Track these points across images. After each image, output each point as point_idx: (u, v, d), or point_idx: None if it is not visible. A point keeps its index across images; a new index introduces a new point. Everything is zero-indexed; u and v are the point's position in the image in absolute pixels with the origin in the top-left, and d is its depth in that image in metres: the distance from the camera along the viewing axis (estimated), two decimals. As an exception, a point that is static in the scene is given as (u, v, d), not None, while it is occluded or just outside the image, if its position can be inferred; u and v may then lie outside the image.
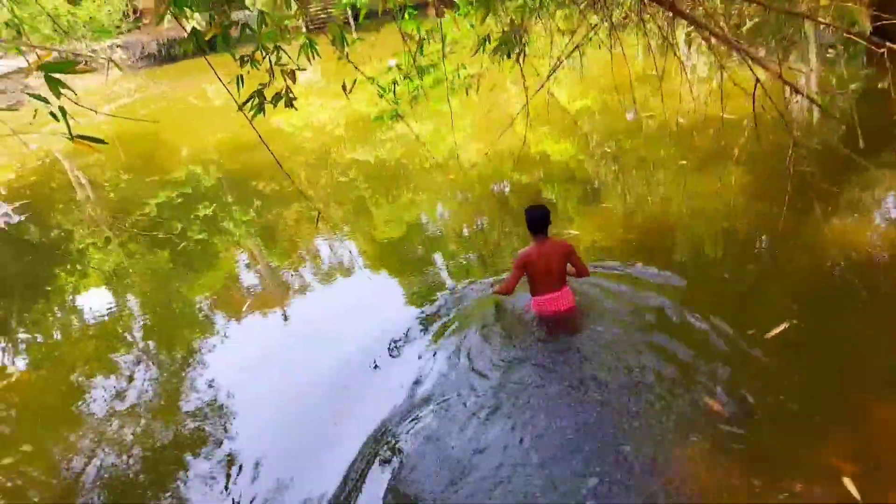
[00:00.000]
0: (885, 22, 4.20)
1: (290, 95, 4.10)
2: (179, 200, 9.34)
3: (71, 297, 6.81)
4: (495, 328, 4.49)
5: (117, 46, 19.24)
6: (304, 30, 4.32)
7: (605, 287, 4.65)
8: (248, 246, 7.42)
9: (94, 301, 6.50)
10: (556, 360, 4.08)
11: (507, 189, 7.24)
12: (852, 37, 4.30)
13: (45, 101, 2.57)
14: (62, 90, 2.57)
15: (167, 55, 22.15)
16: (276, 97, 4.14)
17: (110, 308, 6.23)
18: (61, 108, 2.66)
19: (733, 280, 4.62)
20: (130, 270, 7.28)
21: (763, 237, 5.00)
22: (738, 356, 3.71)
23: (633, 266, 4.89)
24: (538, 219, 4.23)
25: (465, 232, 6.60)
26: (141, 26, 20.31)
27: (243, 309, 5.82)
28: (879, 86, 6.94)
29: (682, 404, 3.44)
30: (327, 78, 17.56)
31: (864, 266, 4.33)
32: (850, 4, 9.52)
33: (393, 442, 3.68)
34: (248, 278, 6.65)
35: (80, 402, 4.79)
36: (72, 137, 2.69)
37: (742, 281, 4.57)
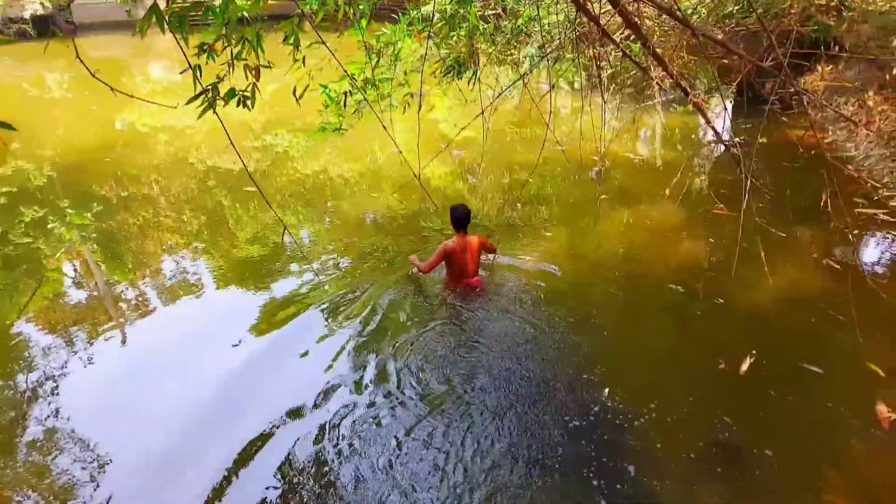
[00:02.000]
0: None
1: (247, 94, 3.58)
2: (2, 200, 8.03)
3: None
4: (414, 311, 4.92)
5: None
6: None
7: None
8: (83, 256, 6.51)
9: None
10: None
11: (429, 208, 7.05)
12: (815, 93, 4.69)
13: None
14: None
15: (-2, 35, 19.23)
16: (230, 93, 3.59)
17: None
18: None
19: (686, 312, 4.82)
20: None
21: (702, 272, 5.27)
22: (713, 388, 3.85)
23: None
24: (462, 216, 4.97)
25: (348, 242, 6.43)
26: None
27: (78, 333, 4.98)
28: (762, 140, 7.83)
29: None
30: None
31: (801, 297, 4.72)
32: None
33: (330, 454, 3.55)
34: (80, 295, 5.75)
35: None
36: None
37: (694, 313, 4.78)
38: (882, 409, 3.49)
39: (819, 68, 9.10)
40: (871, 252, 5.37)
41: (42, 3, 18.58)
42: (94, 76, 2.38)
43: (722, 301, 4.77)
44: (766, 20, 7.60)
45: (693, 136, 9.94)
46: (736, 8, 7.06)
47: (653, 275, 5.21)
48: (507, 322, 4.72)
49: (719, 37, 8.18)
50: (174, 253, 6.39)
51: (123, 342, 4.86)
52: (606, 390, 3.87)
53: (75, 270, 6.21)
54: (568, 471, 3.33)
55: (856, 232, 5.40)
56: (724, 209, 5.77)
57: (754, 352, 4.07)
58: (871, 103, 7.64)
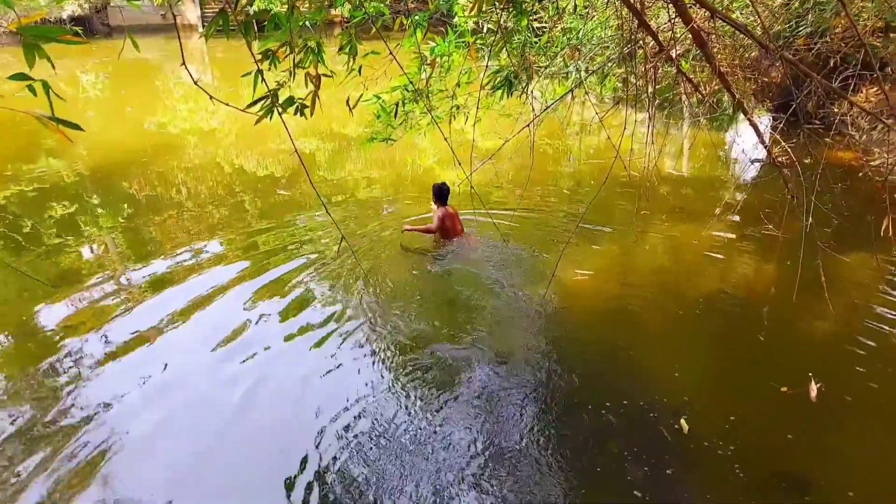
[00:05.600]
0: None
1: (306, 103, 3.52)
2: (33, 195, 8.08)
3: None
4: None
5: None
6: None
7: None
8: (110, 254, 6.43)
9: None
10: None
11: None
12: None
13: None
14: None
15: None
16: (289, 101, 3.54)
17: None
18: (45, 83, 2.12)
19: (746, 335, 4.71)
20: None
21: (760, 295, 5.15)
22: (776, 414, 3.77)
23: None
24: (446, 190, 6.13)
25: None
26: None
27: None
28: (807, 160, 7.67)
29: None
30: (222, 80, 16.57)
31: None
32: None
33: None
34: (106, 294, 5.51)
35: None
36: (54, 119, 2.14)
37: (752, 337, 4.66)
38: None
39: (864, 90, 8.93)
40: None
41: (80, 5, 18.97)
42: (196, 84, 2.42)
43: (782, 325, 4.65)
44: (813, 40, 7.48)
45: (726, 153, 9.80)
46: (785, 26, 6.94)
47: (706, 296, 5.09)
48: (552, 340, 4.67)
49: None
50: (206, 259, 6.21)
51: (151, 345, 4.72)
52: (662, 412, 3.77)
53: (101, 268, 6.12)
54: (619, 496, 3.23)
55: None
56: (773, 230, 5.64)
57: (810, 374, 3.95)
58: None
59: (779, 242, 5.66)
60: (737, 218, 6.42)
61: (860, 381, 4.04)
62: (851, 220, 6.00)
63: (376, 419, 3.79)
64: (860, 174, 7.36)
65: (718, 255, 5.76)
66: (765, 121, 10.47)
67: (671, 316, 4.98)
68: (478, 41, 4.64)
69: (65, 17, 20.22)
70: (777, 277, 5.25)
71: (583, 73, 5.44)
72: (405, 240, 6.28)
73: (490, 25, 4.91)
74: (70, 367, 4.41)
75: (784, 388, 3.91)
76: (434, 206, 6.23)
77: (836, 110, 8.96)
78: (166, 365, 4.42)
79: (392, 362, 4.38)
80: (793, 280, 4.06)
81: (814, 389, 3.84)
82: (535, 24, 5.22)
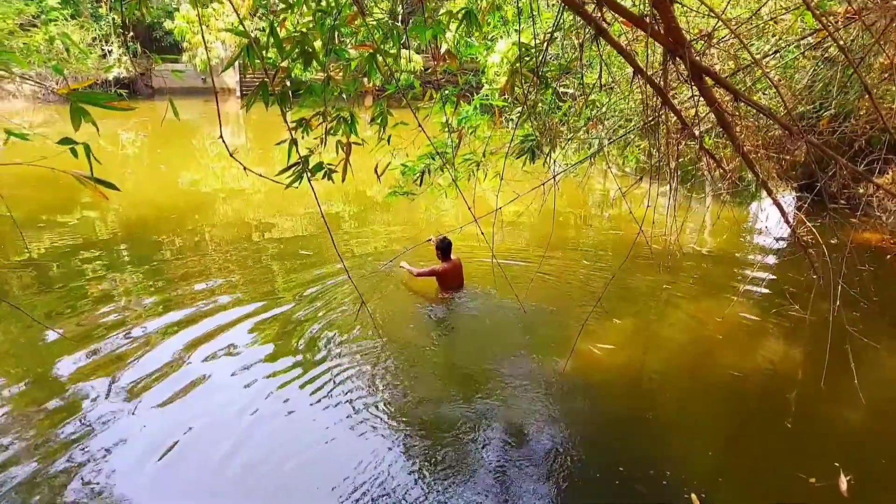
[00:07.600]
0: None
1: (335, 169, 3.62)
2: (66, 248, 8.23)
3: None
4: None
5: (27, 78, 17.41)
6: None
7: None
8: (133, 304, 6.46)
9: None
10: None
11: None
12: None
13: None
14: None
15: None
16: (318, 167, 3.64)
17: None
18: (86, 146, 2.25)
19: (771, 420, 4.54)
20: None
21: (786, 379, 5.00)
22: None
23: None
24: (447, 246, 6.27)
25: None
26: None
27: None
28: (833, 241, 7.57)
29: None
30: (255, 142, 17.12)
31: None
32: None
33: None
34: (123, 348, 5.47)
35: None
36: (92, 179, 2.25)
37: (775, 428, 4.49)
38: None
39: (890, 172, 8.91)
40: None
41: (126, 69, 20.04)
42: (231, 156, 2.55)
43: (809, 412, 4.49)
44: (837, 122, 7.54)
45: (749, 230, 9.74)
46: (808, 108, 7.01)
47: (729, 377, 4.95)
48: (568, 411, 4.56)
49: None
50: (224, 307, 6.25)
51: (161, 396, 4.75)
52: (680, 490, 3.61)
53: (122, 318, 6.09)
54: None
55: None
56: (800, 311, 5.53)
57: (837, 464, 3.76)
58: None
59: (805, 324, 5.53)
60: (762, 297, 6.33)
61: (892, 475, 3.84)
62: (881, 305, 5.88)
63: (381, 490, 3.68)
64: (888, 256, 7.25)
65: (743, 335, 5.64)
66: (789, 199, 10.44)
67: (693, 397, 4.85)
68: (504, 109, 4.79)
69: (110, 78, 21.30)
70: (804, 361, 5.11)
71: (605, 142, 5.54)
72: (407, 280, 6.60)
73: (517, 91, 5.06)
74: (73, 412, 4.48)
75: (812, 480, 3.72)
76: (439, 257, 6.36)
77: (861, 191, 8.92)
78: (166, 406, 4.49)
79: (400, 427, 4.31)
80: (820, 364, 3.95)
81: (844, 482, 3.65)
82: (560, 89, 5.34)
